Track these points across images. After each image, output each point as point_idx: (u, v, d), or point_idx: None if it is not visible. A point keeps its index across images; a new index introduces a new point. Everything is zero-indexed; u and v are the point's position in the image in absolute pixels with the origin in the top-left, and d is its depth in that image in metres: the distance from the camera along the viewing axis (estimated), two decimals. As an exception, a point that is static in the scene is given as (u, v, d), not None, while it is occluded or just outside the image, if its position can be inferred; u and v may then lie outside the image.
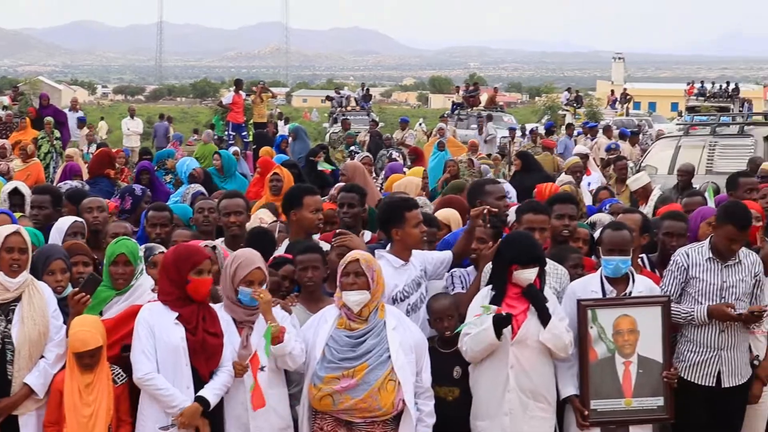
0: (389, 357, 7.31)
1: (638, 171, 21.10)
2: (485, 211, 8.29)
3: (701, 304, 8.16)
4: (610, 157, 21.86)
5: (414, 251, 8.39)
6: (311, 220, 9.32)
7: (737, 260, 8.19)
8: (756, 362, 8.43)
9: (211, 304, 7.46)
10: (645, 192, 14.73)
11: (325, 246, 8.84)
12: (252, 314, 7.45)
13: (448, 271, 8.53)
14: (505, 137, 37.15)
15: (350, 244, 8.49)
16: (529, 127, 42.48)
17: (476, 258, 8.46)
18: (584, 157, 19.27)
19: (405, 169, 18.70)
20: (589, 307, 7.87)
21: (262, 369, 7.37)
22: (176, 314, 7.23)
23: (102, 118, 46.02)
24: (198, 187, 12.75)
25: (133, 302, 7.60)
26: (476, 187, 9.87)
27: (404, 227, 8.24)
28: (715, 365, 8.17)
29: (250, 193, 14.22)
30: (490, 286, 7.85)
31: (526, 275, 7.70)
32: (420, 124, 45.33)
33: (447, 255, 8.45)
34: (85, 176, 16.23)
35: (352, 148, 28.20)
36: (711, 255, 8.20)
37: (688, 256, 8.26)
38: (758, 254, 8.42)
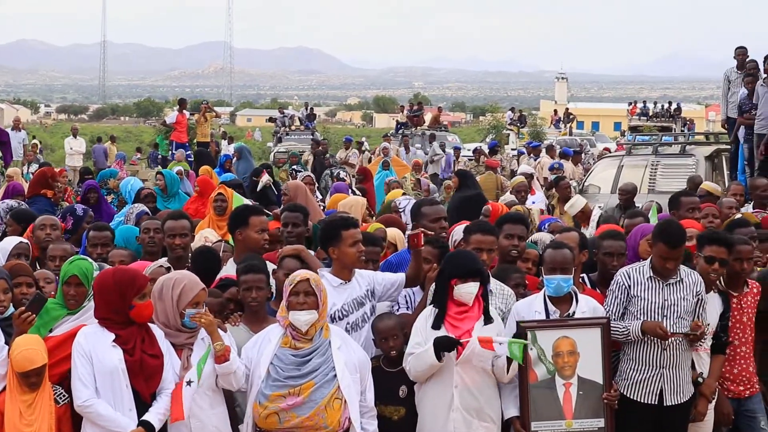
0: (335, 376, 7.31)
1: (581, 191, 21.29)
2: (419, 232, 8.31)
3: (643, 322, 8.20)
4: (553, 177, 21.96)
5: (363, 272, 8.40)
6: (257, 240, 9.29)
7: (678, 279, 8.24)
8: (700, 380, 8.47)
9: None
10: (584, 215, 14.80)
11: (271, 266, 8.82)
12: (191, 336, 7.43)
13: None
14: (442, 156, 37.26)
15: (311, 262, 8.56)
16: (472, 146, 42.63)
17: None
18: (528, 176, 19.39)
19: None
20: (529, 329, 7.86)
21: (188, 384, 7.30)
22: (113, 336, 7.17)
23: (33, 137, 45.57)
24: (141, 207, 12.69)
25: (83, 322, 7.51)
26: (414, 209, 9.93)
27: (341, 246, 8.25)
28: (658, 383, 8.19)
29: (189, 210, 14.21)
30: (433, 305, 7.88)
31: (467, 289, 7.72)
32: (363, 143, 45.34)
33: (399, 277, 8.43)
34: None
35: (295, 167, 28.20)
36: (651, 274, 8.24)
37: (629, 276, 8.29)
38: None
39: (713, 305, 8.58)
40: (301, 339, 7.39)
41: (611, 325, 8.13)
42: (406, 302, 8.51)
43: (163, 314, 7.44)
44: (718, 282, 8.72)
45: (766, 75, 20.35)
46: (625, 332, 8.17)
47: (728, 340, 8.71)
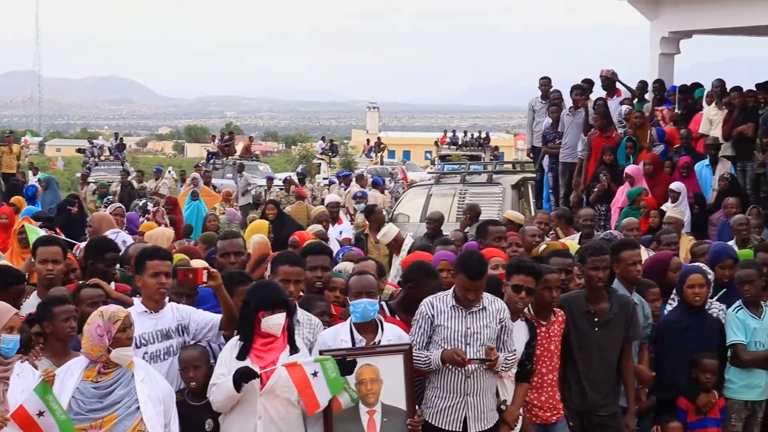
0: (138, 408, 7.19)
1: (391, 219, 21.45)
2: (200, 269, 8.15)
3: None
4: (367, 205, 22.05)
5: (182, 306, 8.30)
6: (40, 270, 9.18)
7: (481, 306, 8.33)
8: (503, 407, 8.57)
9: None
10: (397, 243, 14.90)
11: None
12: (7, 370, 7.21)
13: None
14: (261, 186, 37.25)
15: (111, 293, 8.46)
16: (283, 175, 42.65)
17: None
18: (336, 205, 19.47)
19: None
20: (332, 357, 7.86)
21: (41, 414, 7.05)
22: None
23: None
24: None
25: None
26: (217, 242, 9.89)
27: (143, 275, 8.16)
28: (462, 410, 8.26)
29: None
30: (239, 336, 7.82)
31: (274, 321, 7.69)
32: (170, 171, 44.99)
33: (214, 319, 8.27)
34: None
35: (107, 198, 27.80)
36: (454, 303, 8.31)
37: (432, 305, 8.34)
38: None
39: (520, 333, 8.69)
40: (105, 372, 7.25)
41: (414, 354, 8.17)
42: None
43: None
44: (525, 310, 8.87)
45: (571, 105, 20.92)
46: (427, 361, 8.23)
47: (533, 368, 8.85)
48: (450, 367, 8.23)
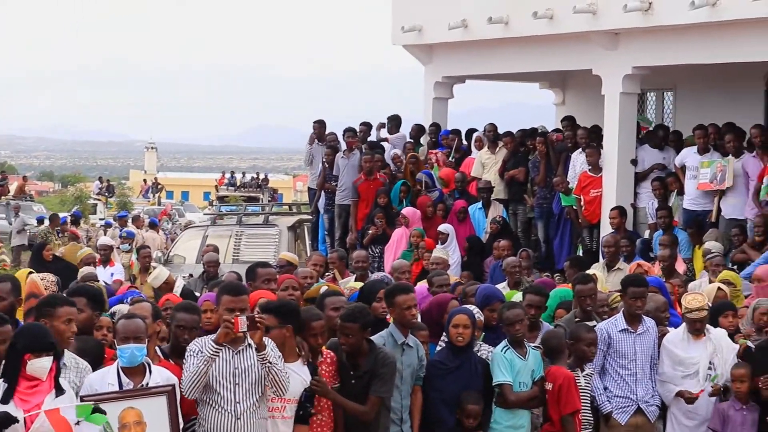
0: None
1: (166, 261, 21.23)
2: None
3: (216, 391, 8.26)
4: (138, 247, 21.71)
5: None
6: None
7: (246, 344, 8.34)
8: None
9: None
10: (168, 286, 14.65)
11: None
12: None
13: None
14: (35, 227, 36.43)
15: None
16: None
17: None
18: (107, 248, 19.17)
19: None
20: (92, 401, 7.70)
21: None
22: None
23: None
24: None
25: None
26: None
27: None
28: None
29: None
30: (2, 379, 7.60)
31: (41, 364, 7.53)
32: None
33: None
34: None
35: None
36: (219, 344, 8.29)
37: (202, 345, 8.30)
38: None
39: (300, 378, 8.72)
40: None
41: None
42: None
43: None
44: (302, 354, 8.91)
45: (345, 147, 21.13)
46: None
47: (312, 411, 8.89)
48: (219, 408, 8.22)
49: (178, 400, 8.08)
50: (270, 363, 8.23)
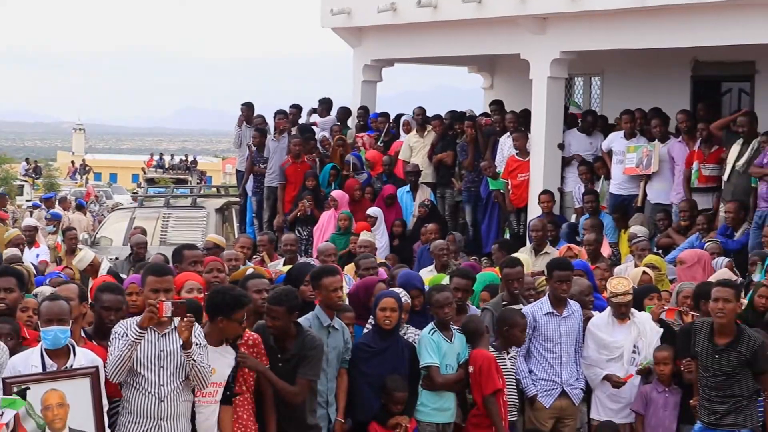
0: None
1: (93, 243, 21.05)
2: None
3: (140, 374, 8.20)
4: (64, 228, 21.50)
5: None
6: None
7: (173, 328, 8.30)
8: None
9: None
10: (93, 268, 14.53)
11: None
12: None
13: None
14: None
15: None
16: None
17: None
18: (32, 229, 18.95)
19: None
20: (14, 383, 7.67)
21: None
22: None
23: None
24: None
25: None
26: None
27: None
28: (155, 436, 8.22)
29: None
30: None
31: None
32: None
33: None
34: None
35: None
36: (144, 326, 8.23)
37: (127, 327, 8.23)
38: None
39: (227, 360, 8.71)
40: None
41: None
42: None
43: None
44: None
45: (275, 130, 21.08)
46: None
47: (236, 392, 8.84)
48: (143, 390, 8.19)
49: (102, 382, 8.02)
50: (194, 361, 8.20)
